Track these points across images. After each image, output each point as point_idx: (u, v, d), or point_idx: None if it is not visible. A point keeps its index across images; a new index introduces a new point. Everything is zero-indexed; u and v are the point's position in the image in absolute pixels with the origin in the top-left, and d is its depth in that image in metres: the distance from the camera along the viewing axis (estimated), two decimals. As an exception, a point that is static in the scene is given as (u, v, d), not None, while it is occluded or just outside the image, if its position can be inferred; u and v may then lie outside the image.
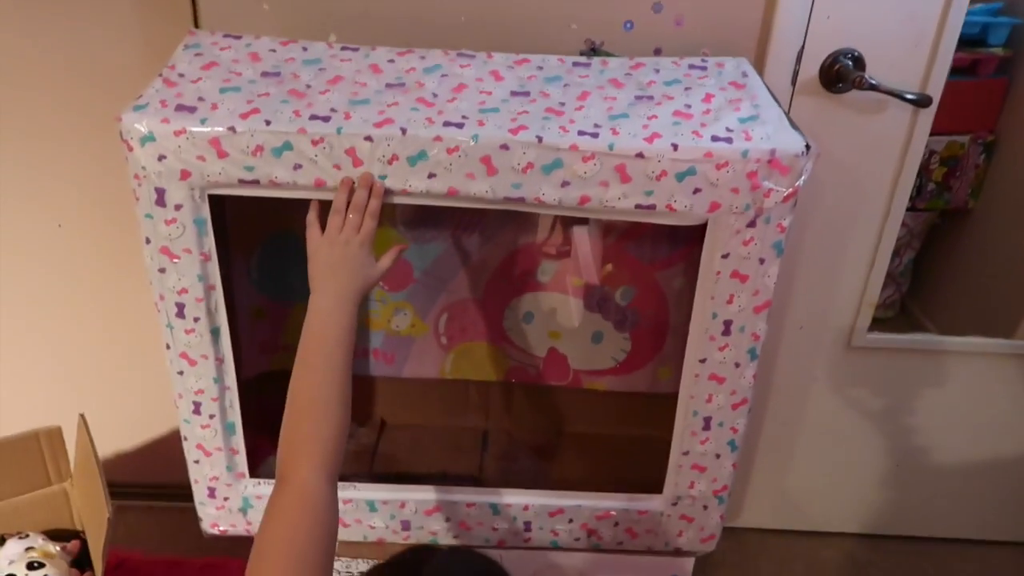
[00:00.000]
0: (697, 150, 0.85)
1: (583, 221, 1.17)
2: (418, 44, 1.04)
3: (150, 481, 1.59)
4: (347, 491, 1.11)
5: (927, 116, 1.16)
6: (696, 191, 0.87)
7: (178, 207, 0.89)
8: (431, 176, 0.86)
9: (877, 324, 1.33)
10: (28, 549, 1.17)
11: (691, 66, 1.00)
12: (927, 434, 1.44)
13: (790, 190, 0.87)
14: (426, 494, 1.11)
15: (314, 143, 0.85)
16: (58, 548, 1.20)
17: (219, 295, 0.96)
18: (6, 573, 1.09)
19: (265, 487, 1.10)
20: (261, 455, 1.27)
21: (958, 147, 1.67)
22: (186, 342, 0.97)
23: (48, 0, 1.15)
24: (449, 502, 1.11)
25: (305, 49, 0.99)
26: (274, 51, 0.98)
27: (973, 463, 1.46)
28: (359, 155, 0.86)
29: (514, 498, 1.10)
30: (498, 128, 0.86)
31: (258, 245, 1.22)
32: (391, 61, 0.98)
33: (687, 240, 1.11)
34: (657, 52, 1.11)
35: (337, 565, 1.22)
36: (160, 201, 0.88)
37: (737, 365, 0.98)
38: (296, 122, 0.85)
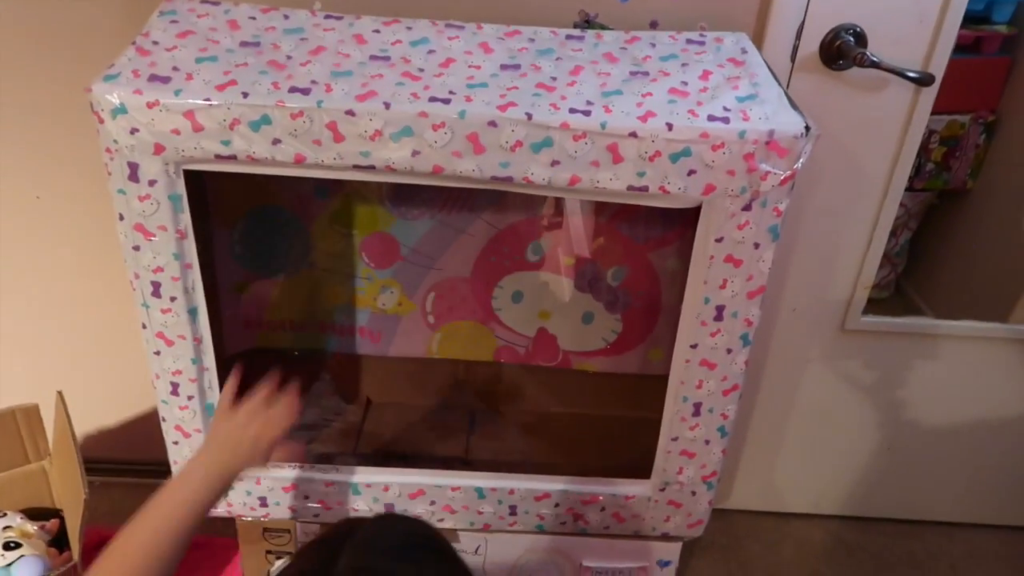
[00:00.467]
0: (693, 130, 0.82)
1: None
2: (406, 13, 1.00)
3: (134, 458, 1.57)
4: (329, 473, 1.09)
5: (929, 95, 1.13)
6: (691, 173, 0.84)
7: (152, 183, 0.85)
8: (415, 153, 0.83)
9: (872, 305, 1.31)
10: (5, 528, 1.15)
11: (688, 41, 0.96)
12: (919, 417, 1.42)
13: (788, 173, 0.84)
14: (410, 477, 1.09)
15: (293, 117, 0.81)
16: (36, 528, 1.19)
17: (196, 274, 0.93)
18: (-22, 555, 1.07)
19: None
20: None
21: (958, 127, 1.63)
22: (162, 322, 0.94)
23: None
24: (434, 485, 1.09)
25: (287, 17, 0.95)
26: (254, 19, 0.94)
27: (965, 447, 1.45)
28: (340, 130, 0.82)
29: (499, 482, 1.09)
30: (486, 104, 0.82)
31: (240, 219, 1.19)
32: (376, 31, 0.94)
33: (681, 220, 1.08)
34: (653, 26, 1.07)
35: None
36: (133, 176, 0.85)
37: (729, 351, 0.96)
38: (275, 94, 0.82)
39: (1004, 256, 1.57)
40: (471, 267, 1.24)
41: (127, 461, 1.57)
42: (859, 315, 1.30)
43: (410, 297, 1.27)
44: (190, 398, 1.01)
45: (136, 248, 0.90)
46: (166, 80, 0.82)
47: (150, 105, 0.81)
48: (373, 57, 0.89)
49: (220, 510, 1.12)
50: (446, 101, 0.82)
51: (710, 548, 1.47)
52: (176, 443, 1.05)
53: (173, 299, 0.93)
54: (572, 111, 0.82)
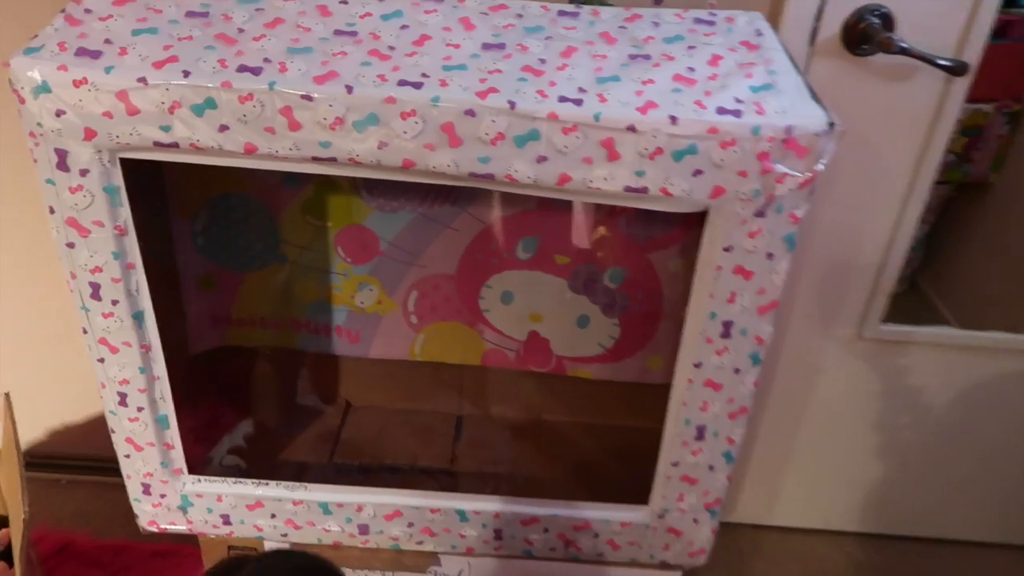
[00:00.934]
0: (699, 124, 0.71)
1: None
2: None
3: (103, 455, 1.49)
4: (297, 492, 1.00)
5: (961, 85, 1.01)
6: (696, 173, 0.73)
7: (84, 172, 0.75)
8: (382, 145, 0.73)
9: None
10: (-51, 538, 1.07)
11: (697, 20, 0.85)
12: (938, 431, 1.32)
13: (808, 175, 0.73)
14: (386, 497, 1.00)
15: (242, 100, 0.71)
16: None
17: (140, 274, 0.83)
18: (-84, 571, 0.98)
19: (207, 484, 0.99)
20: (211, 438, 1.16)
21: (981, 116, 1.51)
22: (104, 327, 0.85)
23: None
24: (411, 507, 0.99)
25: (243, -15, 0.84)
26: (205, -13, 0.83)
27: (984, 463, 1.35)
28: (296, 116, 0.72)
29: (484, 505, 0.99)
30: (463, 90, 0.72)
31: (202, 207, 1.09)
32: (343, 2, 0.83)
33: (685, 219, 0.97)
34: (658, 2, 0.96)
35: None
36: (62, 165, 0.75)
37: (737, 371, 0.86)
38: (221, 74, 0.71)
39: (1030, 254, 1.47)
40: (456, 264, 1.13)
41: (95, 458, 1.49)
42: (878, 323, 1.19)
43: (390, 295, 1.17)
44: (140, 409, 0.91)
45: (70, 245, 0.80)
46: (96, 55, 0.72)
47: (77, 83, 0.71)
48: (337, 32, 0.78)
49: (180, 527, 1.03)
50: (417, 85, 0.72)
51: (712, 565, 1.38)
52: (128, 456, 0.96)
53: (115, 303, 0.83)
54: (562, 99, 0.71)
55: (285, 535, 1.03)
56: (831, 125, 0.72)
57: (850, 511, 1.42)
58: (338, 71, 0.72)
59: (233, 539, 1.06)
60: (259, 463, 1.15)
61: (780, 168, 0.72)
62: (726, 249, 0.77)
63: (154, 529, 1.04)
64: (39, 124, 0.73)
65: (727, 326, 0.83)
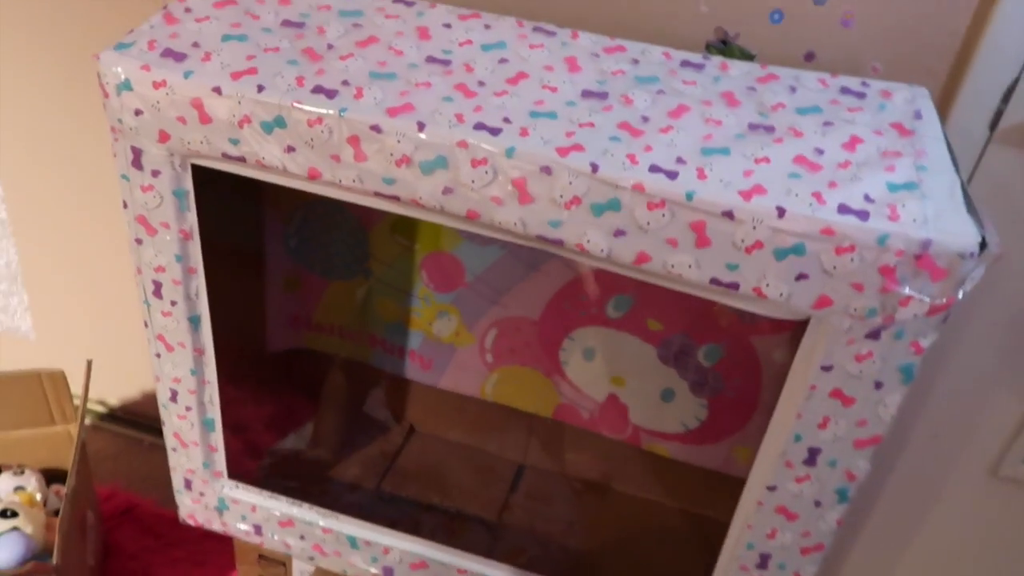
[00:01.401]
0: (812, 222, 0.59)
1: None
2: (505, 6, 0.83)
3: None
4: (328, 519, 0.96)
5: None
6: (800, 277, 0.61)
7: (155, 173, 0.74)
8: (447, 191, 0.66)
9: None
10: (17, 489, 1.12)
11: (843, 90, 0.72)
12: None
13: (941, 302, 0.59)
14: (415, 545, 0.94)
15: (310, 123, 0.66)
16: (51, 491, 1.15)
17: (200, 280, 0.81)
18: (-23, 515, 1.03)
19: (243, 492, 0.97)
20: (274, 434, 1.15)
21: None
22: (163, 325, 0.84)
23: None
24: (440, 562, 0.93)
25: (350, -4, 0.80)
26: (312, -6, 0.79)
27: None
28: (362, 147, 0.66)
29: (517, 576, 0.91)
30: (544, 143, 0.64)
31: (298, 209, 1.07)
32: (447, 26, 0.77)
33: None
34: (809, 58, 0.83)
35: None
36: (136, 163, 0.74)
37: (818, 504, 0.73)
38: (295, 92, 0.67)
39: None
40: (541, 310, 1.06)
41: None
42: (1020, 462, 1.01)
43: (469, 328, 1.11)
44: (188, 408, 0.90)
45: (139, 241, 0.79)
46: (180, 58, 0.70)
47: (156, 85, 0.69)
48: (429, 59, 0.72)
49: (215, 527, 1.02)
50: (495, 131, 0.64)
51: None
52: (174, 450, 0.96)
53: (174, 303, 0.82)
54: (653, 169, 0.62)
55: (312, 558, 1.00)
56: (983, 246, 0.58)
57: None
58: (415, 104, 0.66)
59: (264, 549, 1.04)
60: (311, 471, 1.13)
61: (907, 290, 0.59)
62: (825, 368, 0.65)
63: (192, 523, 1.04)
64: (119, 120, 0.72)
65: (813, 453, 0.70)
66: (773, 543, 0.76)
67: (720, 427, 1.05)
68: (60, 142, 1.24)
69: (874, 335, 0.62)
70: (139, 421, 1.55)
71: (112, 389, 1.53)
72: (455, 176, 0.65)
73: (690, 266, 0.63)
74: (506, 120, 0.66)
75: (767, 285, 0.62)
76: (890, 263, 0.59)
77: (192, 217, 0.77)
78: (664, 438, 1.09)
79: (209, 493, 0.98)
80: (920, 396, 1.01)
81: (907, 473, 1.06)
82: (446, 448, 1.21)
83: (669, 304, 1.00)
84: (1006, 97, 0.81)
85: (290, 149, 0.68)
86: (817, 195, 0.61)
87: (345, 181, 0.69)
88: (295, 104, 0.66)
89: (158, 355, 0.87)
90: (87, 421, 1.13)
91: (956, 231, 0.59)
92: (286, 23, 0.75)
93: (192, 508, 1.01)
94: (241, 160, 0.71)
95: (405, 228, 1.05)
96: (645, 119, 0.67)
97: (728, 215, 0.60)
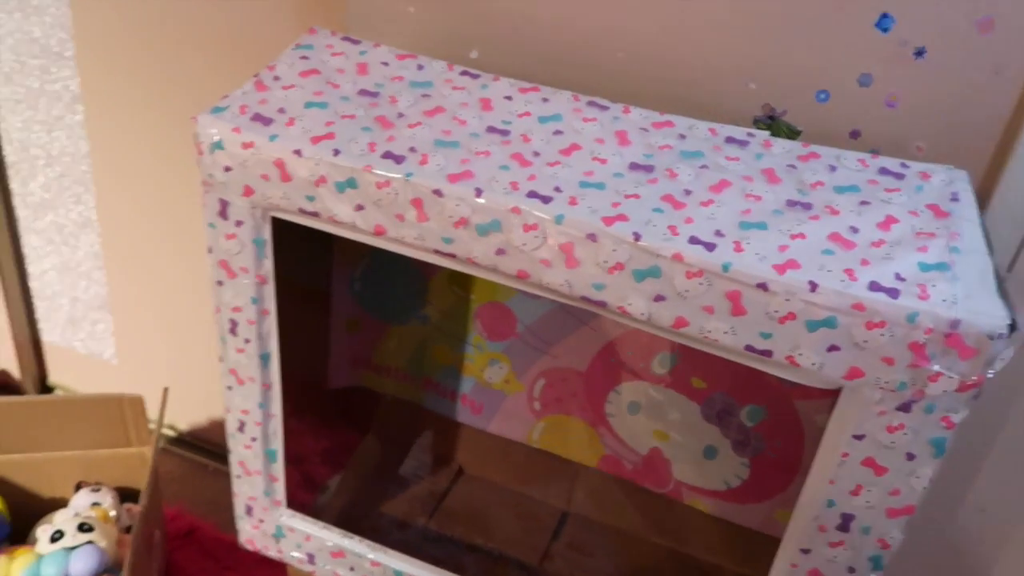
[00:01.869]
0: (843, 297, 0.62)
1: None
2: (563, 75, 0.89)
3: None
4: (376, 552, 1.00)
5: None
6: (832, 348, 0.64)
7: (239, 223, 0.81)
8: (500, 252, 0.71)
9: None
10: (94, 505, 1.20)
11: (882, 171, 0.75)
12: None
13: (972, 380, 0.61)
14: (457, 585, 0.98)
15: (379, 186, 0.73)
16: (124, 509, 1.23)
17: (272, 321, 0.88)
18: (56, 528, 1.11)
19: (299, 521, 1.03)
20: (330, 468, 1.21)
21: None
22: (235, 360, 0.91)
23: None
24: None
25: (421, 68, 0.87)
26: (386, 64, 0.87)
27: None
28: (425, 209, 0.72)
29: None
30: (592, 212, 0.69)
31: (365, 257, 1.14)
32: (507, 98, 0.83)
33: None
34: (854, 135, 0.87)
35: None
36: (223, 213, 0.81)
37: (852, 571, 0.74)
38: (367, 157, 0.74)
39: None
40: (588, 363, 1.10)
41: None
42: (1073, 542, 0.99)
43: (518, 377, 1.15)
44: (253, 439, 0.97)
45: (220, 283, 0.86)
46: (268, 122, 0.78)
47: (245, 146, 0.77)
48: (490, 129, 0.78)
49: (272, 553, 1.08)
50: (546, 200, 0.70)
51: None
52: (238, 476, 1.02)
53: (247, 341, 0.89)
54: (692, 241, 0.66)
55: (360, 591, 1.04)
56: (1012, 328, 0.60)
57: None
58: (474, 171, 0.72)
59: (316, 579, 1.09)
60: (363, 505, 1.18)
61: (936, 367, 0.62)
62: (857, 437, 0.67)
63: (250, 547, 1.09)
64: (210, 175, 0.80)
65: (846, 519, 0.72)
66: (805, 607, 0.77)
67: (762, 487, 1.06)
68: (156, 189, 1.35)
69: (905, 408, 0.65)
70: (205, 447, 1.63)
71: (182, 415, 1.62)
72: (508, 238, 0.70)
73: (726, 332, 0.67)
74: (557, 189, 0.71)
75: (800, 354, 0.65)
76: (919, 340, 0.61)
77: (268, 264, 0.84)
78: (705, 494, 1.10)
79: (268, 520, 1.04)
80: (969, 461, 1.00)
81: (952, 546, 1.05)
82: (492, 491, 1.24)
83: (712, 364, 1.02)
84: (1053, 178, 0.83)
85: (360, 208, 0.75)
86: (849, 271, 0.64)
87: (407, 238, 0.75)
88: (366, 168, 0.73)
89: (229, 387, 0.94)
90: (159, 444, 1.21)
91: (985, 312, 0.61)
92: (362, 92, 0.82)
93: (251, 534, 1.07)
94: (315, 215, 0.78)
95: (462, 279, 1.11)
96: (688, 192, 0.71)
97: (762, 287, 0.64)
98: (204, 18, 1.17)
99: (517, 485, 1.25)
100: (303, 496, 1.09)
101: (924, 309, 0.61)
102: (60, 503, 1.26)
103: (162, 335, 1.52)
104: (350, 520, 1.05)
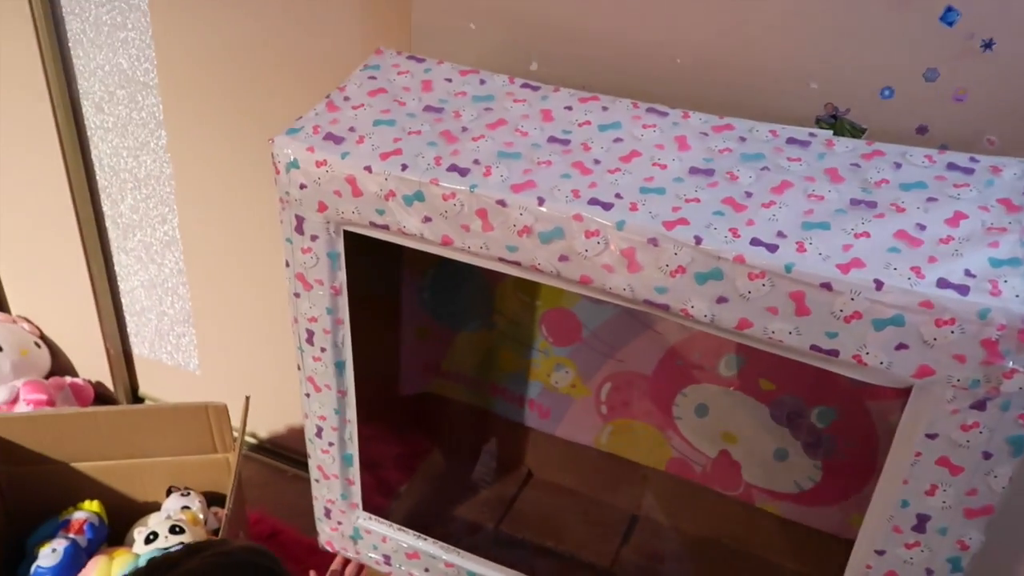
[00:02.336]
0: (911, 295, 0.62)
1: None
2: (623, 84, 0.90)
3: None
4: (451, 554, 1.03)
5: None
6: (900, 347, 0.64)
7: (314, 237, 0.85)
8: (563, 259, 0.73)
9: None
10: (184, 508, 1.26)
11: (950, 166, 0.74)
12: None
13: (1048, 376, 0.60)
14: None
15: (445, 198, 0.76)
16: (211, 513, 1.29)
17: (346, 330, 0.92)
18: (151, 530, 1.17)
19: (375, 524, 1.07)
20: (403, 472, 1.25)
21: None
22: (313, 368, 0.95)
23: (280, 1, 1.19)
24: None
25: (483, 83, 0.90)
26: (450, 81, 0.90)
27: None
28: (489, 219, 0.75)
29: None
30: (652, 217, 0.70)
31: (432, 265, 1.18)
32: (568, 108, 0.85)
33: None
34: (921, 131, 0.85)
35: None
36: (299, 228, 0.86)
37: (929, 573, 0.73)
38: (433, 171, 0.77)
39: None
40: (654, 366, 1.10)
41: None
42: None
43: (585, 381, 1.17)
44: (331, 444, 1.01)
45: (296, 295, 0.91)
46: (339, 141, 0.82)
47: (318, 164, 0.81)
48: (551, 139, 0.80)
49: (349, 554, 1.12)
50: (607, 206, 0.71)
51: None
52: (317, 480, 1.07)
53: (323, 350, 0.93)
54: (754, 242, 0.67)
55: (435, 591, 1.07)
56: (1090, 322, 0.59)
57: None
58: (536, 181, 0.74)
59: (392, 580, 1.12)
60: (436, 508, 1.21)
61: (1010, 363, 0.61)
62: (930, 436, 0.67)
63: (330, 549, 1.14)
64: (287, 193, 0.84)
65: (922, 520, 0.71)
66: (881, 609, 0.76)
67: (835, 490, 1.05)
68: (234, 208, 1.42)
69: (979, 406, 0.64)
70: (284, 453, 1.70)
71: (262, 423, 1.69)
72: (570, 245, 0.72)
73: (790, 333, 0.67)
74: (618, 196, 0.72)
75: (867, 353, 0.65)
76: (992, 336, 0.60)
77: (342, 275, 0.88)
78: (777, 497, 1.09)
79: (346, 523, 1.08)
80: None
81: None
82: (561, 495, 1.26)
83: (780, 365, 1.01)
84: None
85: (427, 219, 0.78)
86: (916, 269, 0.63)
87: (473, 248, 0.77)
88: (432, 182, 0.76)
89: (307, 395, 0.98)
90: (242, 450, 1.26)
91: (1061, 307, 0.59)
92: (428, 108, 0.85)
93: (330, 535, 1.11)
94: (385, 228, 0.81)
95: (527, 286, 1.13)
96: (748, 194, 0.72)
97: (826, 286, 0.64)
98: (277, 45, 1.23)
99: (586, 489, 1.26)
100: (378, 499, 1.13)
101: (996, 305, 0.60)
102: (153, 506, 1.33)
103: (243, 346, 1.59)
104: (423, 523, 1.09)
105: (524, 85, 0.89)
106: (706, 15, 0.89)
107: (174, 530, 1.18)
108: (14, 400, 1.58)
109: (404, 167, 0.77)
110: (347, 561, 1.12)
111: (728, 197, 0.72)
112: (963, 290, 0.61)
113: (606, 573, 1.14)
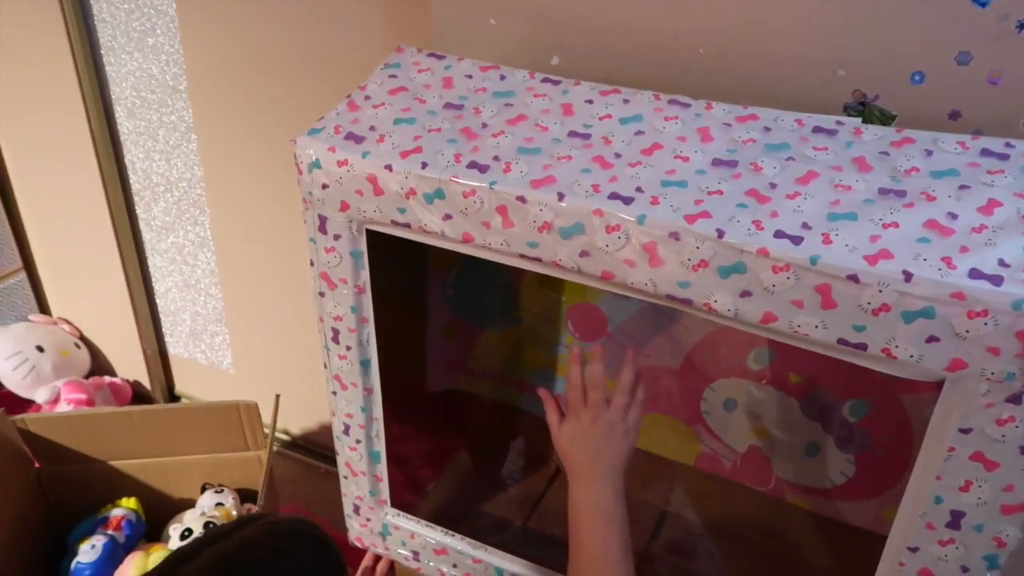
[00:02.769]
0: (941, 287, 0.60)
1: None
2: (645, 76, 0.90)
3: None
4: (479, 551, 1.03)
5: None
6: (931, 340, 0.62)
7: (337, 237, 0.86)
8: (583, 254, 0.73)
9: None
10: (217, 505, 1.28)
11: (984, 152, 0.72)
12: None
13: (1086, 368, 0.58)
14: (557, 582, 0.99)
15: (465, 195, 0.76)
16: (241, 509, 1.31)
17: (371, 328, 0.92)
18: (185, 527, 1.20)
19: (404, 520, 1.07)
20: (431, 468, 1.25)
21: None
22: (339, 366, 0.96)
23: (307, 0, 1.19)
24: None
25: (503, 78, 0.89)
26: (470, 77, 0.90)
27: None
28: (510, 215, 0.75)
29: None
30: (673, 211, 0.69)
31: (456, 264, 1.18)
32: (589, 102, 0.84)
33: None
34: (954, 116, 0.83)
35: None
36: (322, 228, 0.86)
37: (965, 570, 0.71)
38: (452, 168, 0.77)
39: None
40: (681, 360, 1.09)
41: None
42: None
43: (611, 376, 1.15)
44: (358, 442, 1.01)
45: (321, 294, 0.91)
46: (360, 140, 0.82)
47: (340, 164, 0.81)
48: (572, 133, 0.80)
49: (379, 550, 1.13)
50: (628, 201, 0.70)
51: None
52: (345, 477, 1.08)
53: (348, 348, 0.93)
54: (778, 235, 0.65)
55: (464, 587, 1.07)
56: None
57: None
58: (556, 176, 0.74)
59: (421, 574, 1.13)
60: (464, 504, 1.22)
61: (1046, 354, 0.59)
62: (963, 430, 0.65)
63: (359, 545, 1.15)
64: (310, 193, 0.84)
65: (956, 516, 0.69)
66: (915, 607, 0.75)
67: (869, 485, 1.03)
68: (263, 209, 1.44)
69: (1015, 399, 0.62)
70: (315, 450, 1.72)
71: (294, 420, 1.71)
72: (591, 240, 0.72)
73: (816, 326, 0.66)
74: (639, 189, 0.72)
75: (896, 347, 0.63)
76: (1027, 328, 0.58)
77: (365, 274, 0.88)
78: (808, 492, 1.08)
79: (374, 519, 1.09)
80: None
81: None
82: (590, 491, 1.25)
83: (810, 359, 0.99)
84: None
85: (448, 217, 0.78)
86: (947, 260, 0.61)
87: (494, 245, 0.77)
88: (452, 179, 0.76)
89: (334, 393, 0.99)
90: (273, 447, 1.28)
91: (1100, 296, 0.57)
92: (448, 105, 0.85)
93: (360, 531, 1.12)
94: (407, 226, 0.81)
95: (552, 282, 1.13)
96: (772, 186, 0.71)
97: (853, 279, 0.62)
98: (301, 47, 1.24)
99: (615, 484, 1.25)
100: (407, 496, 1.14)
101: (1031, 296, 0.58)
102: (188, 503, 1.36)
103: (274, 344, 1.61)
104: (451, 519, 1.09)
105: (545, 80, 0.88)
106: (728, 3, 0.87)
107: (208, 526, 1.19)
108: (55, 400, 1.62)
109: (424, 165, 0.77)
110: (378, 558, 1.13)
111: (752, 189, 0.70)
112: (997, 280, 0.59)
113: (635, 569, 1.13)
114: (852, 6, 0.82)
